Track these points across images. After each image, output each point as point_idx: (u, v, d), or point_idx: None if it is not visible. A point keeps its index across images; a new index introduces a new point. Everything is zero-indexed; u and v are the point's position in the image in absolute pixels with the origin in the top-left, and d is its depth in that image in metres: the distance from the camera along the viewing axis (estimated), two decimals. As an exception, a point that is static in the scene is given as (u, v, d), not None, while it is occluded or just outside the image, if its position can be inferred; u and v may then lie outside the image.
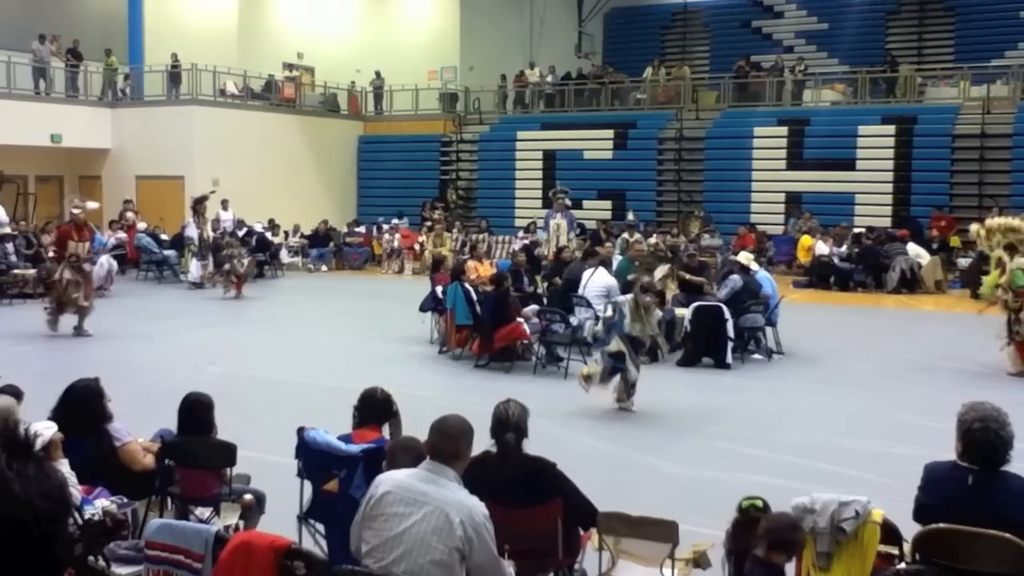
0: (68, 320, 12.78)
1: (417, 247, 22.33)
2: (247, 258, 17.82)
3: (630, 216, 19.25)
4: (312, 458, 4.83)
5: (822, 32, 30.48)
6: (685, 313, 11.45)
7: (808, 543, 3.92)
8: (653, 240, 18.38)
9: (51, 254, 13.93)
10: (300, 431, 4.89)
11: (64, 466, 4.11)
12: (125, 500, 4.66)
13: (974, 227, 11.35)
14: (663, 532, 4.21)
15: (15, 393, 4.98)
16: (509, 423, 4.35)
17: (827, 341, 12.78)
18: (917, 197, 21.96)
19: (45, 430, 4.23)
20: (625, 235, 18.59)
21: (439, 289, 12.23)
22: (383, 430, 4.96)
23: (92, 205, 13.74)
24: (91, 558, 4.08)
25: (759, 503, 4.03)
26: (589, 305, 11.30)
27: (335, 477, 4.69)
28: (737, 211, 23.19)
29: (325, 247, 23.26)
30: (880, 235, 19.54)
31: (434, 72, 29.38)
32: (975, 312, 11.22)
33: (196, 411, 5.08)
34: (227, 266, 17.23)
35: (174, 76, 24.36)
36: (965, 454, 3.92)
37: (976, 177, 21.78)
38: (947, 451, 4.14)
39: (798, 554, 3.79)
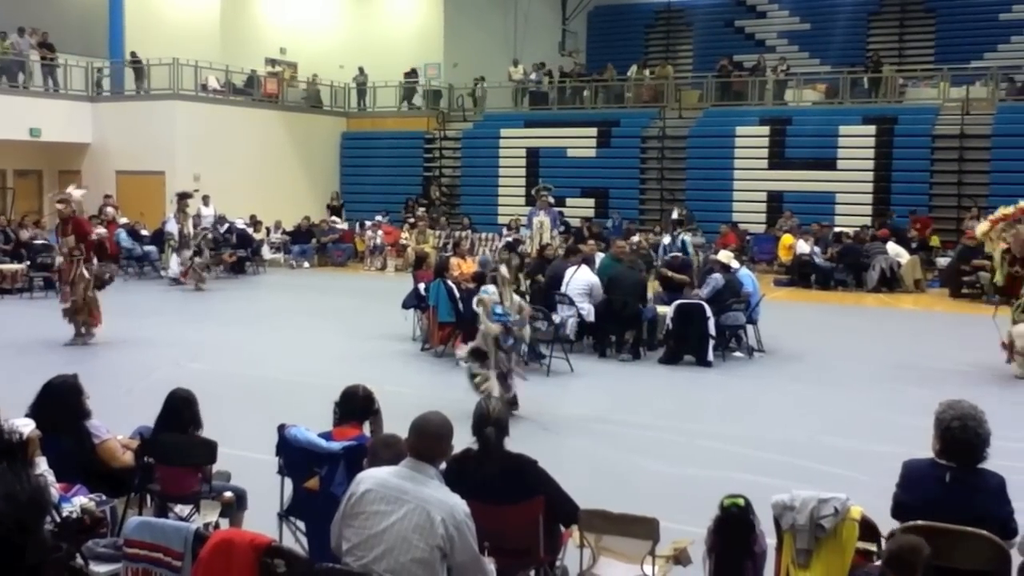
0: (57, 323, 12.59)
1: (402, 241, 22.29)
2: (210, 252, 18.31)
3: (675, 214, 19.22)
4: (293, 455, 4.80)
5: (805, 32, 30.62)
6: (667, 311, 11.48)
7: (788, 540, 3.95)
8: (635, 239, 18.42)
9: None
10: (281, 428, 4.87)
11: (42, 463, 4.08)
12: (104, 498, 4.62)
13: (980, 227, 11.31)
14: (644, 529, 4.22)
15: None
16: (490, 419, 4.35)
17: (808, 339, 12.85)
18: (897, 197, 22.13)
19: (23, 427, 4.20)
20: (678, 231, 17.55)
21: (422, 286, 12.21)
22: (364, 427, 4.95)
23: (77, 193, 12.15)
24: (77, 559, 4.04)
25: (740, 502, 4.05)
26: (572, 303, 11.32)
27: (316, 475, 4.67)
28: (719, 210, 23.29)
29: (307, 243, 23.18)
30: (860, 234, 19.67)
31: (418, 69, 29.32)
32: (990, 315, 11.17)
33: (179, 407, 5.04)
34: (195, 258, 17.53)
35: (139, 72, 24.16)
36: (943, 452, 3.95)
37: (955, 177, 21.97)
38: (925, 449, 4.18)
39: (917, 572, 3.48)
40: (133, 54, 24.05)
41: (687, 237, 16.83)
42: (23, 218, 19.68)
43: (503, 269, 8.71)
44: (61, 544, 3.63)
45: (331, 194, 27.29)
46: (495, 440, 4.33)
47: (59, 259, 12.18)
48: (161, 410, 5.06)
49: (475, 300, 8.71)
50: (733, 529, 3.99)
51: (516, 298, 8.62)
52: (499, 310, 8.34)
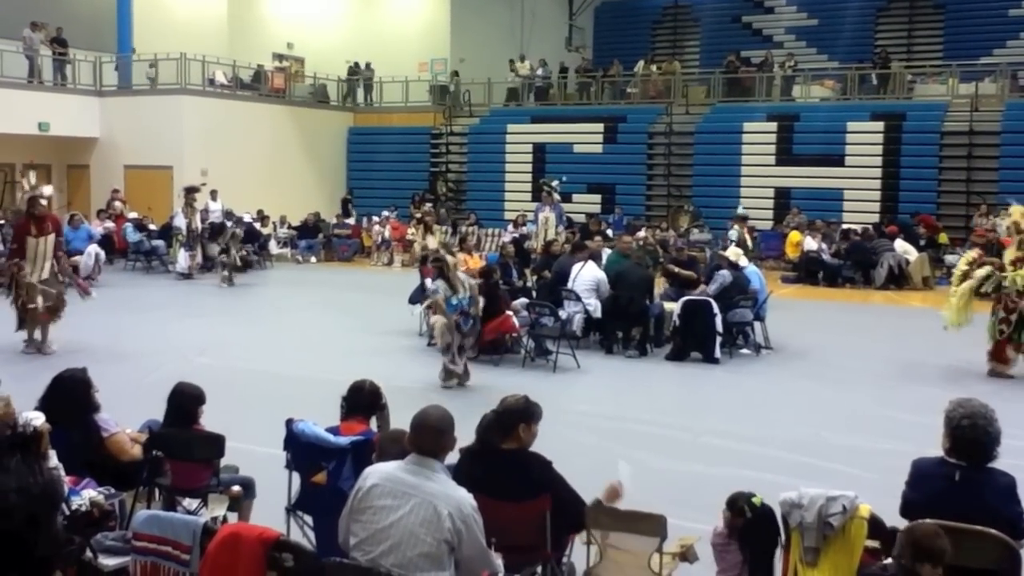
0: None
1: (409, 236, 22.30)
2: (238, 253, 18.19)
3: (740, 209, 19.27)
4: (300, 450, 4.81)
5: (812, 28, 30.52)
6: (674, 307, 11.47)
7: (795, 538, 3.95)
8: (642, 234, 18.42)
9: (10, 250, 11.67)
10: (289, 423, 4.88)
11: (53, 457, 4.09)
12: (112, 491, 4.63)
13: (1007, 220, 11.04)
14: (651, 526, 4.22)
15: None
16: (501, 409, 4.36)
17: (815, 337, 12.82)
18: (905, 194, 22.06)
19: (33, 420, 4.21)
20: (737, 227, 17.55)
21: (428, 281, 12.21)
22: (370, 422, 4.96)
23: (47, 190, 11.53)
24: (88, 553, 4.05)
25: (758, 500, 4.06)
26: (578, 298, 11.31)
27: (323, 469, 4.68)
28: (726, 206, 23.21)
29: (314, 238, 23.21)
30: (868, 231, 19.63)
31: (424, 64, 29.31)
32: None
33: (183, 402, 5.06)
34: (222, 256, 17.44)
35: (151, 66, 24.18)
36: (953, 450, 3.94)
37: (964, 174, 21.89)
38: (934, 447, 4.17)
39: (944, 561, 3.40)
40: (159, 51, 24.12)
41: (734, 234, 16.96)
42: (4, 214, 19.72)
43: (448, 258, 9.35)
44: (74, 538, 3.65)
45: (347, 190, 27.19)
46: (486, 427, 4.31)
47: (47, 263, 10.94)
48: (167, 406, 5.08)
49: (426, 303, 9.28)
50: (765, 528, 4.00)
51: (462, 277, 9.19)
52: (453, 301, 8.93)
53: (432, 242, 13.72)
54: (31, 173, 11.84)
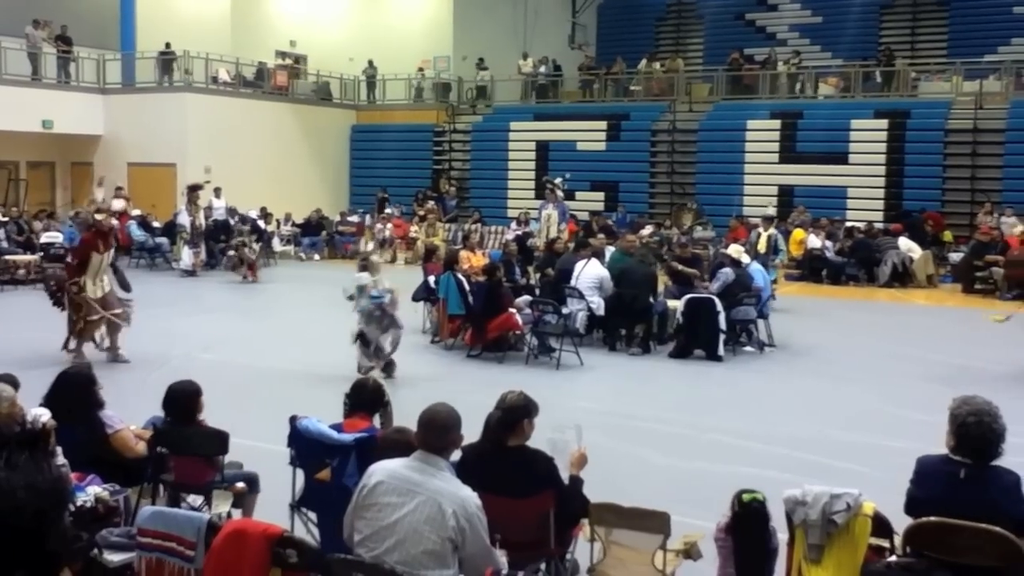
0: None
1: (412, 234, 22.29)
2: (257, 244, 18.43)
3: (770, 210, 19.24)
4: (305, 447, 4.82)
5: (816, 26, 30.46)
6: (678, 305, 11.47)
7: (799, 535, 3.94)
8: (646, 232, 18.41)
9: (67, 264, 10.82)
10: (293, 420, 4.89)
11: (59, 455, 4.10)
12: (117, 487, 4.64)
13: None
14: (655, 523, 4.22)
15: (11, 381, 4.94)
16: (503, 407, 4.36)
17: (819, 334, 12.81)
18: (909, 192, 22.04)
19: (40, 417, 4.23)
20: (759, 228, 17.37)
21: (432, 279, 12.22)
22: (373, 420, 4.97)
23: (117, 204, 10.99)
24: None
25: (760, 496, 4.05)
26: (581, 296, 11.31)
27: (328, 466, 4.69)
28: (729, 203, 23.21)
29: (317, 236, 23.22)
30: (872, 228, 19.61)
31: (427, 62, 29.30)
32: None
33: (180, 400, 5.06)
34: (233, 252, 17.71)
35: (162, 64, 24.23)
36: (959, 448, 3.93)
37: (968, 172, 21.86)
38: (939, 445, 4.15)
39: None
40: (167, 45, 24.09)
41: (774, 232, 17.00)
42: (37, 213, 19.76)
43: (374, 258, 10.27)
44: (81, 534, 3.66)
45: (381, 188, 26.45)
46: (495, 425, 4.32)
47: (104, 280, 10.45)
48: (163, 405, 5.09)
49: (355, 286, 9.91)
50: (753, 524, 3.98)
51: (386, 282, 9.98)
52: (375, 293, 9.70)
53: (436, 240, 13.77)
54: (100, 183, 11.54)
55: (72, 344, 10.27)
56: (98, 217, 10.47)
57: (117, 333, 10.38)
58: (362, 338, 9.68)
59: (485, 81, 28.22)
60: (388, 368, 9.85)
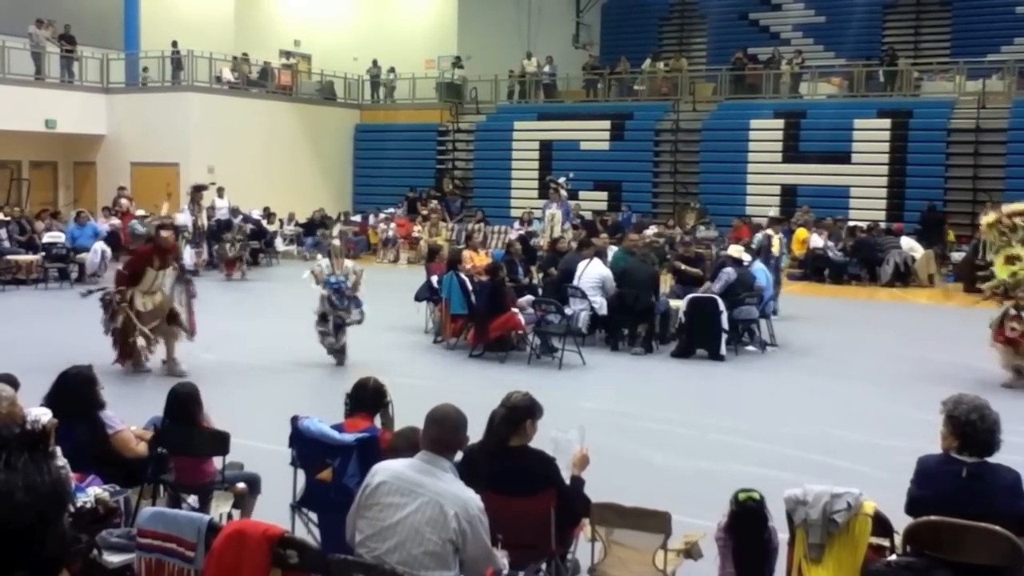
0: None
1: (415, 233, 22.28)
2: (239, 242, 18.57)
3: (773, 211, 19.20)
4: (306, 447, 4.82)
5: (819, 25, 30.43)
6: (680, 305, 11.46)
7: (800, 534, 3.94)
8: (650, 232, 18.41)
9: (118, 272, 10.37)
10: (294, 420, 4.89)
11: (59, 456, 4.10)
12: (117, 488, 4.64)
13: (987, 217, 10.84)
14: (656, 523, 4.22)
15: (11, 381, 4.94)
16: (507, 406, 4.37)
17: (821, 334, 12.80)
18: (912, 191, 22.00)
19: (40, 417, 4.23)
20: (769, 231, 15.75)
21: (434, 278, 12.23)
22: (374, 419, 4.96)
23: (181, 218, 10.57)
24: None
25: (756, 495, 4.04)
26: (584, 296, 11.31)
27: (329, 466, 4.68)
28: (733, 203, 23.20)
29: (320, 235, 23.20)
30: (875, 227, 19.59)
31: (431, 61, 29.30)
32: (971, 304, 11.06)
33: (183, 403, 5.07)
34: (216, 247, 17.87)
35: (174, 63, 24.26)
36: (965, 447, 3.93)
37: (971, 171, 21.82)
38: (939, 444, 4.15)
39: None
40: (174, 43, 24.12)
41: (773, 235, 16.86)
42: (40, 212, 19.76)
43: (335, 243, 10.63)
44: (81, 536, 3.65)
45: (407, 188, 26.25)
46: (499, 423, 4.32)
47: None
48: (165, 405, 5.09)
49: (308, 271, 10.26)
50: (749, 523, 3.98)
51: (348, 264, 10.35)
52: (332, 279, 10.05)
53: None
54: (168, 197, 11.14)
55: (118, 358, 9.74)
56: (163, 234, 10.13)
57: (174, 342, 9.94)
58: (321, 319, 10.11)
59: (460, 81, 28.15)
60: (339, 355, 10.26)
